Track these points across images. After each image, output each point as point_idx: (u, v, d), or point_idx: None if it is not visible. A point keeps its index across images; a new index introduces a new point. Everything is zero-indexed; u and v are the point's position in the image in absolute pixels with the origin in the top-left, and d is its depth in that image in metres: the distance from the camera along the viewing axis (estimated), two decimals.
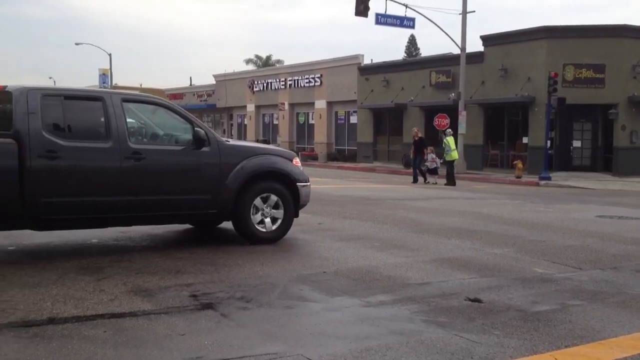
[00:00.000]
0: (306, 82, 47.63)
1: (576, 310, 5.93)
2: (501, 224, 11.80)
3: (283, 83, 49.89)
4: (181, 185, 8.27)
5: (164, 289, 6.26)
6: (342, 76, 43.85)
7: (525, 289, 6.69)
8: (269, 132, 52.73)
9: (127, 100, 8.19)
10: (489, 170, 32.89)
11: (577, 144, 32.04)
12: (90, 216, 7.79)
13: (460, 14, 31.91)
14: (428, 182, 24.81)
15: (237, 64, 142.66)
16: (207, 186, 8.42)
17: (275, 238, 8.95)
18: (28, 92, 7.47)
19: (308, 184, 9.42)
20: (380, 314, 5.65)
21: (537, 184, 26.09)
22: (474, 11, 32.35)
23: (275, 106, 50.00)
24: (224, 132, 56.19)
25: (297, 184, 9.14)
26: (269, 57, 69.83)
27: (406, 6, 31.22)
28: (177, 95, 61.45)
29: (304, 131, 49.67)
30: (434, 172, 25.74)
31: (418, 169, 25.31)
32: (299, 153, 36.14)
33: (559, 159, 31.33)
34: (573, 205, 16.34)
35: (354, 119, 44.20)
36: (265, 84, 52.05)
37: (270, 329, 5.16)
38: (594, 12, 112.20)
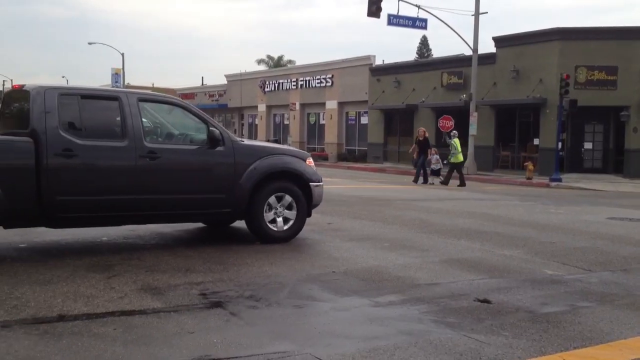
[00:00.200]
0: (317, 83, 47.63)
1: (585, 311, 5.91)
2: (511, 225, 11.77)
3: (294, 83, 49.92)
4: (195, 184, 8.32)
5: (174, 287, 6.28)
6: (353, 77, 43.81)
7: (534, 290, 6.68)
8: (279, 132, 52.76)
9: (143, 99, 8.25)
10: (500, 172, 32.77)
11: (588, 145, 31.88)
12: (105, 214, 7.85)
13: (472, 15, 31.82)
14: (432, 184, 24.70)
15: (248, 64, 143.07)
16: (221, 185, 8.46)
17: (288, 237, 8.98)
18: (45, 91, 7.55)
19: (321, 183, 9.44)
20: (389, 314, 5.65)
21: (548, 186, 25.98)
22: (487, 12, 32.27)
23: (286, 106, 50.03)
24: (235, 131, 56.22)
25: (310, 183, 9.16)
26: (280, 58, 69.88)
27: (418, 7, 31.16)
28: (188, 95, 61.58)
29: (314, 131, 49.68)
30: (436, 173, 25.63)
31: (422, 169, 25.23)
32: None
33: (570, 161, 31.20)
34: (584, 207, 16.27)
35: (364, 120, 44.15)
36: (276, 84, 52.10)
37: (279, 328, 5.17)
38: (608, 14, 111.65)
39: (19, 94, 8.08)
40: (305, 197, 9.08)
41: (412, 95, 38.58)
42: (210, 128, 8.42)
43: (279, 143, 40.09)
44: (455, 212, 13.86)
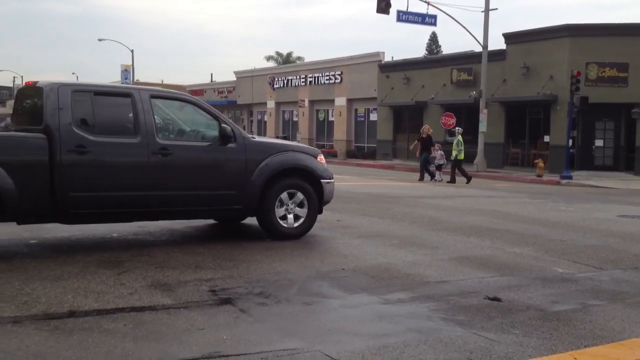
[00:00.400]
0: (326, 79, 47.60)
1: (596, 310, 5.88)
2: (521, 222, 11.73)
3: (303, 80, 49.91)
4: (207, 180, 8.34)
5: (184, 284, 6.30)
6: (362, 73, 43.77)
7: (545, 288, 6.65)
8: (288, 129, 52.77)
9: (155, 96, 8.29)
10: (510, 169, 32.68)
11: (599, 143, 31.72)
12: (117, 210, 7.89)
13: (482, 11, 31.69)
14: (436, 180, 24.62)
15: (257, 61, 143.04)
16: (233, 182, 8.48)
17: (299, 234, 9.00)
18: (59, 87, 7.59)
19: (332, 180, 9.44)
20: (398, 311, 5.64)
21: (558, 183, 25.88)
22: (497, 9, 32.06)
23: (295, 103, 50.05)
24: (244, 128, 56.26)
25: (322, 180, 9.16)
26: (289, 54, 69.81)
27: (428, 3, 31.09)
28: (197, 91, 61.65)
29: (323, 128, 49.67)
30: (439, 168, 25.51)
31: (425, 168, 25.15)
32: None
33: (580, 158, 31.06)
34: (594, 205, 16.19)
35: (373, 117, 44.10)
36: (285, 81, 52.11)
37: (288, 324, 5.17)
38: (619, 10, 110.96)
39: (32, 90, 8.12)
40: (316, 194, 9.08)
41: (421, 92, 38.50)
42: (222, 125, 8.44)
43: (288, 140, 40.07)
44: (465, 209, 13.82)
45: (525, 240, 9.69)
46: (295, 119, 52.22)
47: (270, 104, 54.45)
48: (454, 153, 24.08)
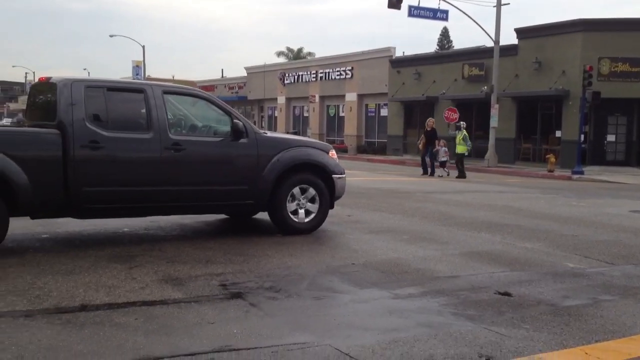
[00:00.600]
0: (337, 75, 47.56)
1: (608, 305, 5.86)
2: (532, 218, 11.68)
3: (314, 75, 49.89)
4: (219, 176, 8.37)
5: (194, 278, 6.32)
6: (373, 69, 43.69)
7: (556, 283, 6.63)
8: (299, 125, 52.78)
9: (167, 92, 8.31)
10: (521, 164, 32.54)
11: (611, 138, 31.54)
12: (130, 205, 7.93)
13: (494, 6, 31.54)
14: (440, 176, 24.53)
15: (268, 57, 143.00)
16: (245, 177, 8.50)
17: (310, 229, 9.02)
18: (72, 83, 7.63)
19: (344, 176, 9.44)
20: (408, 306, 5.64)
21: (570, 178, 25.75)
22: (509, 3, 31.78)
23: (305, 98, 50.03)
24: (254, 123, 56.24)
25: (333, 176, 9.17)
26: (300, 50, 69.84)
27: None
28: (208, 87, 61.70)
29: (334, 123, 49.64)
30: (443, 165, 25.43)
31: (430, 162, 25.09)
32: None
33: (592, 153, 30.88)
34: (606, 200, 16.11)
35: (384, 112, 44.03)
36: (296, 77, 52.09)
37: (298, 319, 5.19)
38: (633, 4, 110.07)
39: (46, 86, 8.17)
40: (328, 190, 9.09)
41: (432, 87, 38.40)
42: (234, 120, 8.45)
43: (298, 135, 40.06)
44: (476, 204, 13.79)
45: (536, 235, 9.66)
46: (305, 114, 52.22)
47: (281, 100, 54.47)
48: (461, 148, 24.02)
